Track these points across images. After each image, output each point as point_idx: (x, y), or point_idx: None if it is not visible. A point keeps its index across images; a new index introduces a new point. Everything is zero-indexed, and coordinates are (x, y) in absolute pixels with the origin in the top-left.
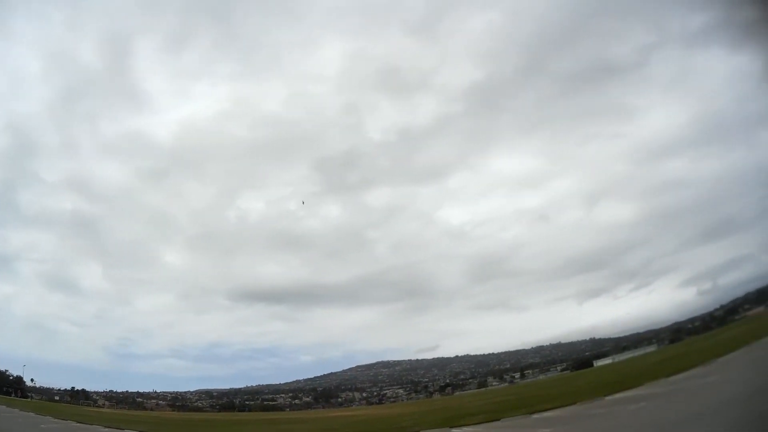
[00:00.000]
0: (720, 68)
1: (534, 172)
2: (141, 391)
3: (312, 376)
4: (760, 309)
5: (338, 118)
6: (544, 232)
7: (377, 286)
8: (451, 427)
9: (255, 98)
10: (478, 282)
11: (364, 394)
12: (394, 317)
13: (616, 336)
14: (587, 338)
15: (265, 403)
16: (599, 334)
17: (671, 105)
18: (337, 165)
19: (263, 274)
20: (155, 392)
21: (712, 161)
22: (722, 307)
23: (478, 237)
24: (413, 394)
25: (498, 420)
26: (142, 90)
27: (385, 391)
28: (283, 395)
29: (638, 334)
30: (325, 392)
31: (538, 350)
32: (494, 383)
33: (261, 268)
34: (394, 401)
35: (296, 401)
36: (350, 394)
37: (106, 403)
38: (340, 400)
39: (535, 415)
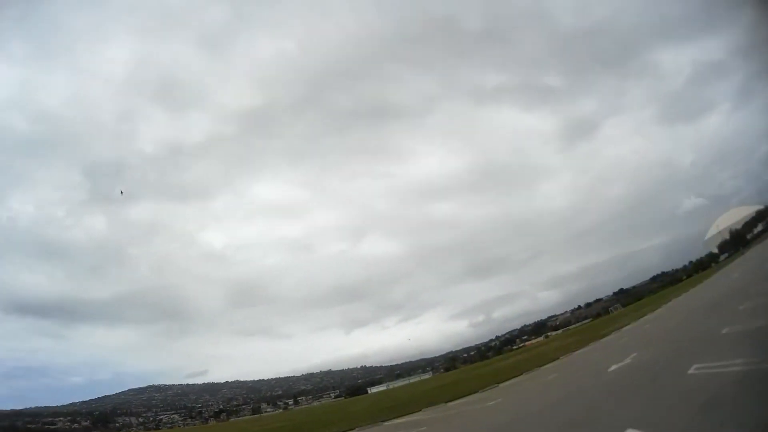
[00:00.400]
0: (507, 125)
1: (300, 202)
2: None
3: (87, 399)
4: (540, 339)
5: (114, 124)
6: (307, 261)
7: (139, 306)
8: None
9: (40, 88)
10: (239, 307)
11: (141, 419)
12: (158, 339)
13: (389, 364)
14: (358, 366)
15: (46, 426)
16: (370, 362)
17: (449, 153)
18: (105, 174)
19: (30, 285)
20: None
21: (487, 207)
22: (498, 338)
23: (240, 261)
24: (188, 420)
25: None
26: None
27: (161, 417)
28: (62, 418)
29: (411, 362)
30: (102, 416)
31: (309, 377)
32: (268, 409)
33: (28, 277)
34: (171, 427)
35: (75, 425)
36: (127, 419)
37: None
38: (117, 425)
39: None
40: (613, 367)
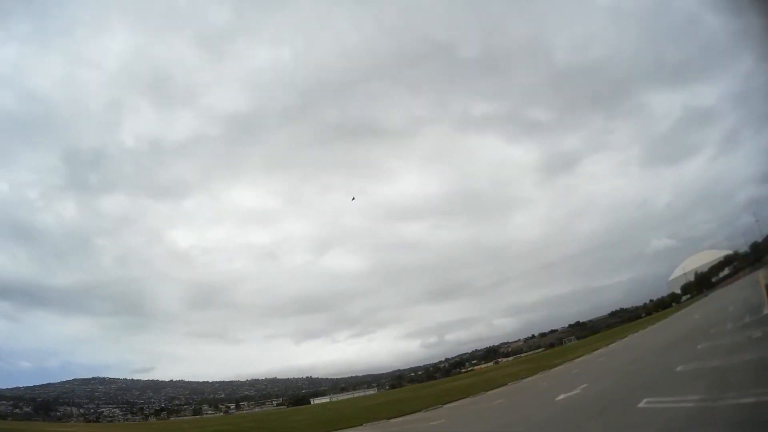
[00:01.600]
0: (489, 153)
1: (271, 211)
2: None
3: (32, 385)
4: (489, 364)
5: (100, 113)
6: (270, 269)
7: (97, 297)
8: None
9: (33, 67)
10: (197, 309)
11: (82, 411)
12: (112, 332)
13: (335, 377)
14: (304, 376)
15: None
16: (317, 374)
17: (427, 176)
18: (84, 161)
19: None
20: None
21: (457, 232)
22: (447, 360)
23: (203, 264)
24: (129, 415)
25: None
26: None
27: (102, 409)
28: (4, 402)
29: (357, 377)
30: (44, 404)
31: (254, 383)
32: (209, 412)
33: None
34: (110, 421)
35: (17, 410)
36: (68, 408)
37: None
38: (58, 413)
39: None
40: (561, 397)
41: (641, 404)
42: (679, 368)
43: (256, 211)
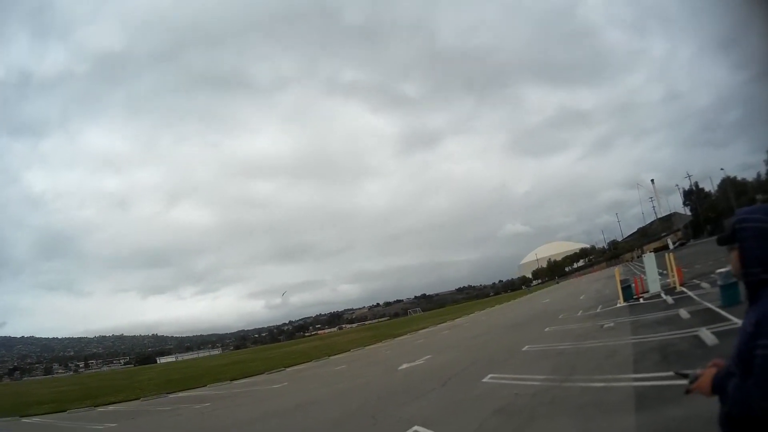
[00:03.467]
0: (351, 120)
1: (126, 156)
2: None
3: None
4: (333, 330)
5: None
6: (120, 218)
7: None
8: (21, 416)
9: None
10: (46, 259)
11: None
12: None
13: (180, 335)
14: (150, 334)
15: None
16: (162, 331)
17: (282, 135)
18: None
19: None
20: None
21: (308, 194)
22: (291, 323)
23: (55, 209)
24: None
25: (64, 411)
26: None
27: None
28: None
29: (202, 336)
30: None
31: (101, 340)
32: (60, 371)
33: None
34: None
35: None
36: None
37: None
38: None
39: (100, 408)
40: (404, 366)
41: (485, 379)
42: (525, 348)
43: (111, 155)
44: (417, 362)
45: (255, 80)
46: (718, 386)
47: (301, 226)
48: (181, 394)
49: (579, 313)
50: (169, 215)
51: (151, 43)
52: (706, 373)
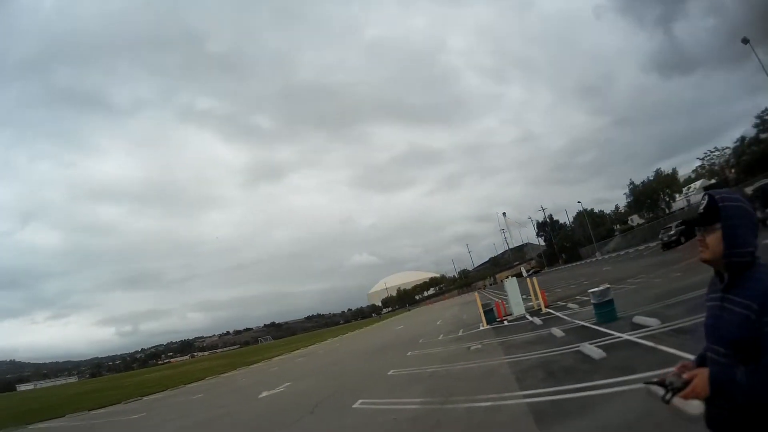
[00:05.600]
0: (201, 148)
1: None
2: None
3: None
4: (186, 357)
5: None
6: None
7: None
8: None
9: None
10: None
11: None
12: None
13: (38, 362)
14: (7, 359)
15: None
16: (20, 357)
17: (132, 159)
18: None
19: None
20: None
21: (152, 220)
22: (143, 350)
23: None
24: None
25: None
26: None
27: None
28: None
29: (58, 363)
30: None
31: None
32: None
33: None
34: None
35: None
36: None
37: None
38: None
39: None
40: (265, 394)
41: (356, 404)
42: (390, 372)
43: None
44: (277, 389)
45: (114, 101)
46: (718, 384)
47: (147, 253)
48: (40, 425)
49: (440, 337)
50: (21, 234)
51: (19, 49)
52: (699, 375)
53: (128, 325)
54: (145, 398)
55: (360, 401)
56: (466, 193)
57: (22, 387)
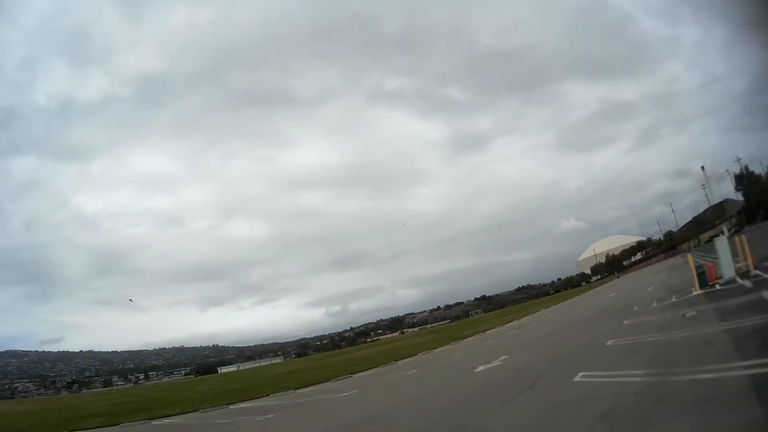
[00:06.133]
0: (398, 127)
1: (175, 175)
2: None
3: None
4: (395, 334)
5: (14, 71)
6: (173, 235)
7: (4, 266)
8: (70, 431)
9: None
10: (102, 276)
11: None
12: (20, 302)
13: (240, 345)
14: (210, 344)
15: None
16: (222, 342)
17: (329, 146)
18: None
19: None
20: None
21: (358, 202)
22: (352, 329)
23: (107, 228)
24: (42, 389)
25: (117, 425)
26: None
27: (15, 385)
28: None
29: (264, 345)
30: None
31: (161, 352)
32: (119, 383)
33: None
34: (25, 396)
35: None
36: None
37: None
38: None
39: (155, 422)
40: (481, 368)
41: (577, 378)
42: (609, 342)
43: (160, 175)
44: (494, 363)
45: (298, 94)
46: None
47: (355, 233)
48: (242, 405)
49: (654, 304)
50: (223, 230)
51: (192, 64)
52: None
53: (337, 305)
54: (354, 376)
55: (581, 374)
56: (662, 148)
57: (225, 369)
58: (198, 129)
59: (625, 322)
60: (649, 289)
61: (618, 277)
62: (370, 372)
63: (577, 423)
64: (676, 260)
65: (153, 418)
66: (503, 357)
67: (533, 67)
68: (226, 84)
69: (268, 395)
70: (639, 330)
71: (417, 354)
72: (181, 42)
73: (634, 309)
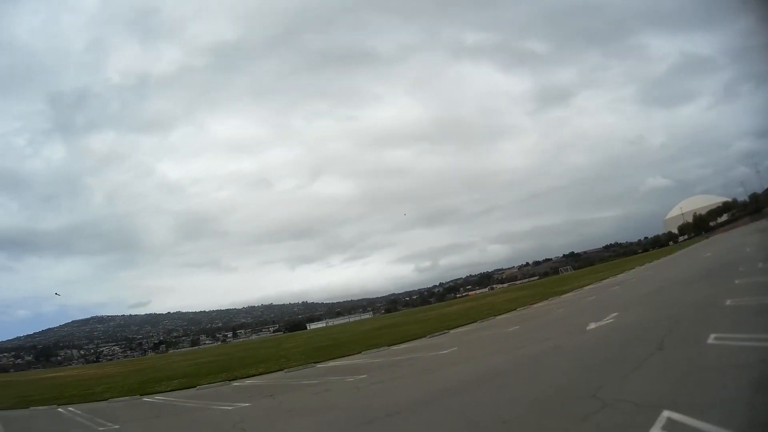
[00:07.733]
0: (480, 82)
1: (258, 138)
2: None
3: (31, 333)
4: (484, 290)
5: (81, 54)
6: (260, 196)
7: (89, 237)
8: (142, 395)
9: (8, 17)
10: (189, 240)
11: (82, 352)
12: (105, 270)
13: (329, 301)
14: (299, 301)
15: None
16: (312, 299)
17: (412, 102)
18: (69, 103)
19: None
20: None
21: (445, 158)
22: (442, 284)
23: (193, 194)
24: (128, 351)
25: (193, 387)
26: None
27: (101, 349)
28: (6, 354)
29: (352, 301)
30: (45, 350)
31: (250, 310)
32: (207, 341)
33: None
34: (110, 359)
35: (18, 360)
36: (69, 351)
37: None
38: (59, 358)
39: (236, 383)
40: (592, 326)
41: (710, 340)
42: (728, 302)
43: (243, 139)
44: (605, 321)
45: (377, 52)
46: None
47: (442, 190)
48: (331, 363)
49: (760, 265)
50: (310, 189)
51: (265, 29)
52: None
53: (427, 260)
54: (451, 331)
55: (713, 336)
56: (743, 105)
57: (313, 325)
58: (278, 92)
59: (737, 281)
60: (747, 249)
61: (707, 237)
62: (467, 328)
63: (728, 395)
64: (764, 223)
65: (234, 379)
66: (614, 314)
67: (611, 18)
68: (303, 45)
69: (360, 353)
70: (757, 290)
71: (515, 309)
72: (251, 7)
73: (740, 269)
